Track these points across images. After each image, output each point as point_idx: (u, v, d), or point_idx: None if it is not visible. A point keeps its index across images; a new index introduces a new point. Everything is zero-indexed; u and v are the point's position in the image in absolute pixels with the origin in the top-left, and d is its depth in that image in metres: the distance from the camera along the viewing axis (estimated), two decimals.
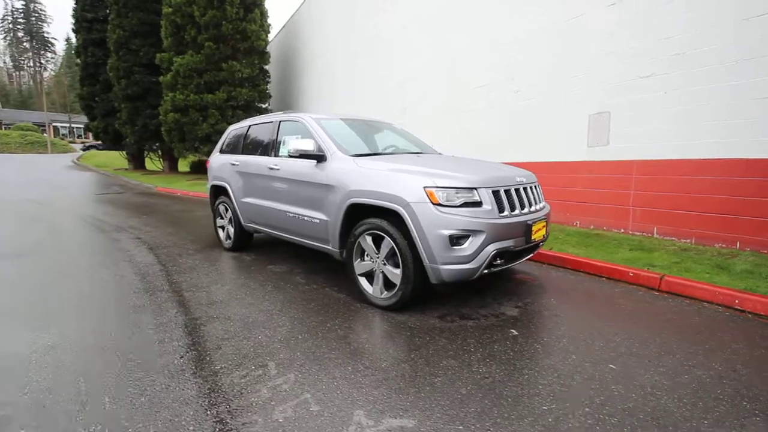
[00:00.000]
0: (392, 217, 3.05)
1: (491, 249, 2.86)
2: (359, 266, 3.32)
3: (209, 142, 14.14)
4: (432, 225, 2.79)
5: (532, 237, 3.14)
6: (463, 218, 2.79)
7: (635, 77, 5.05)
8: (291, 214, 3.97)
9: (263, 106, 15.65)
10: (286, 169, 4.02)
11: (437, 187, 2.84)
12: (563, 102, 5.89)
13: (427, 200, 2.82)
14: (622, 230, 5.29)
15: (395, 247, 2.98)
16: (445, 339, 2.65)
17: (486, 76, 7.05)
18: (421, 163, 3.32)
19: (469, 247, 2.80)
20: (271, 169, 4.22)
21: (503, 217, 2.94)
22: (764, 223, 4.10)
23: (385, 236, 3.04)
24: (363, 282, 3.31)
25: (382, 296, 3.14)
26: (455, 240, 2.78)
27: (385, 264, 3.12)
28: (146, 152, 21.26)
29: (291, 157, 3.83)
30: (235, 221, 4.91)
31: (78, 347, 2.55)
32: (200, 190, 12.44)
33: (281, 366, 2.31)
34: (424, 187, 2.85)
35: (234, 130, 5.33)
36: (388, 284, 3.15)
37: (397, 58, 9.33)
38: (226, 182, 4.98)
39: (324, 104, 12.80)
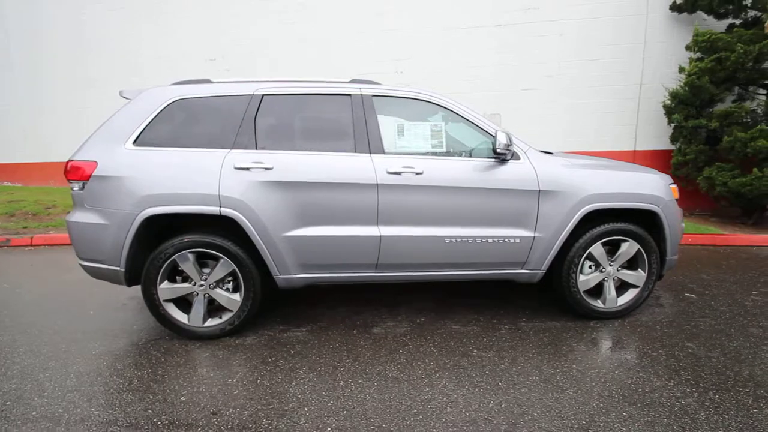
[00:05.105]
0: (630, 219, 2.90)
1: None
2: (585, 281, 2.89)
3: None
4: (678, 219, 2.97)
5: None
6: (681, 210, 3.12)
7: (518, 89, 6.51)
8: (455, 240, 2.73)
9: None
10: (443, 174, 2.70)
11: (673, 183, 3.00)
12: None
13: (673, 196, 2.93)
14: None
15: (642, 249, 2.88)
16: (721, 318, 2.97)
17: (371, 66, 6.70)
18: (604, 160, 3.25)
19: None
20: (395, 174, 2.63)
21: None
22: None
23: (628, 240, 2.87)
24: (588, 299, 2.92)
25: (619, 305, 2.95)
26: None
27: (618, 270, 2.93)
28: None
29: (436, 154, 2.82)
30: (250, 277, 2.62)
31: None
32: None
33: None
34: (669, 185, 2.93)
35: (182, 97, 2.67)
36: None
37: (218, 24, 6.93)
38: (234, 206, 2.52)
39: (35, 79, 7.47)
